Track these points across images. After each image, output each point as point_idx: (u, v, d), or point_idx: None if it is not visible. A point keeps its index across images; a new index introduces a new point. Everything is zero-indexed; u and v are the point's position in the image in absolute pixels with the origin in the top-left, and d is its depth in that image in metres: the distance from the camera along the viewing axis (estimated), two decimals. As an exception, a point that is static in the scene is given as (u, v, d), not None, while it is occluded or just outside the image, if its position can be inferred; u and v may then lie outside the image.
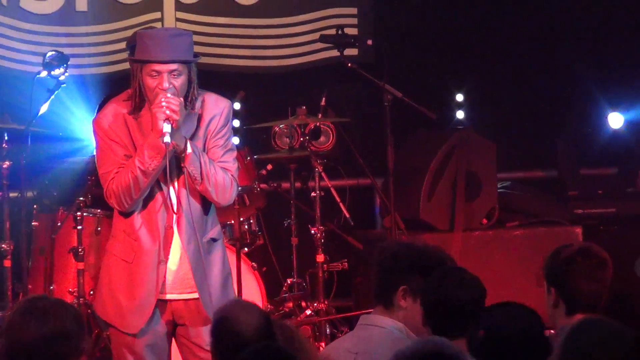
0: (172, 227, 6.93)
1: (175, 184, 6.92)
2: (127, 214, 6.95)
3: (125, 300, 6.90)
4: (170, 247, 6.93)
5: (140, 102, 6.88)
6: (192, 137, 6.91)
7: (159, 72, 6.75)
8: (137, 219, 6.99)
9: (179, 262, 6.94)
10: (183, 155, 6.78)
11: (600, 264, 5.88)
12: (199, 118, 6.99)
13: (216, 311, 5.90)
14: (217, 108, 7.06)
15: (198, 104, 7.03)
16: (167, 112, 6.64)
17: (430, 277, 5.63)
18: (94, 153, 7.62)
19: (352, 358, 5.82)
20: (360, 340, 5.88)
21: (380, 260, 6.01)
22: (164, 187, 6.93)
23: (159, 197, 6.94)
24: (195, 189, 6.88)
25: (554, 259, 5.97)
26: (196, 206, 6.95)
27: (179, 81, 6.81)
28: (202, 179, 6.81)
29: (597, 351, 4.31)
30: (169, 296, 6.90)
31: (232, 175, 6.99)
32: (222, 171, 6.94)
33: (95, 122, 6.99)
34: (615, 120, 10.70)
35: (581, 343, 4.36)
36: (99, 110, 7.76)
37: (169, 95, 6.62)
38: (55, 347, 5.12)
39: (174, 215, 6.95)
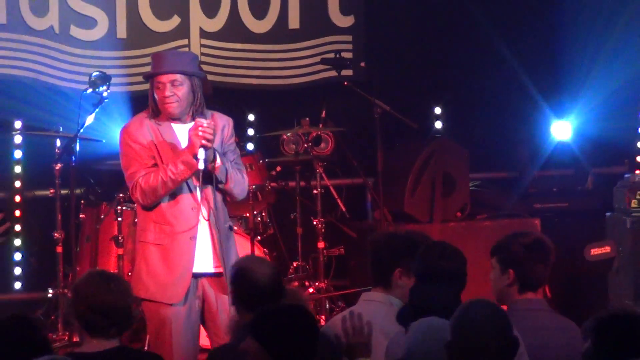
0: (198, 211, 7.03)
1: (199, 184, 7.05)
2: (152, 208, 7.08)
3: (165, 275, 7.01)
4: (197, 228, 7.07)
5: (157, 110, 7.08)
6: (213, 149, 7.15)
7: (163, 83, 6.94)
8: (167, 209, 7.08)
9: (205, 243, 7.06)
10: (213, 165, 6.95)
11: (550, 251, 6.04)
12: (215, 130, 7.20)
13: (234, 264, 6.19)
14: (224, 120, 7.24)
15: (209, 118, 7.17)
16: (204, 141, 6.83)
17: (418, 252, 5.72)
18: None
19: None
20: (365, 310, 5.76)
21: (375, 250, 6.13)
22: (197, 189, 7.05)
23: (185, 189, 7.05)
24: (218, 188, 7.12)
25: (514, 247, 6.04)
26: (219, 200, 7.10)
27: (181, 90, 6.96)
28: (226, 181, 7.00)
29: (481, 324, 4.44)
30: (200, 270, 7.02)
31: (244, 173, 7.26)
32: (239, 172, 7.17)
33: (124, 131, 7.18)
34: (560, 128, 10.62)
35: (469, 317, 4.51)
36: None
37: (205, 124, 6.83)
38: (129, 310, 5.40)
39: (200, 204, 7.06)
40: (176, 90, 6.99)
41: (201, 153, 6.89)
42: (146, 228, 7.16)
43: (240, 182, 7.21)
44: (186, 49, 10.34)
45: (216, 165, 7.01)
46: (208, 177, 7.18)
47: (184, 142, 7.08)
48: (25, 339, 4.91)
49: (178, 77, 7.01)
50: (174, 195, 7.09)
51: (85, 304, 5.42)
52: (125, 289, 5.54)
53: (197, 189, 7.14)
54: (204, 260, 7.17)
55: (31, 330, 5.00)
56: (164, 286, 6.99)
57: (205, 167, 6.98)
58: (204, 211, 7.16)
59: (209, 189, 7.12)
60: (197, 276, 7.13)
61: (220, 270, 7.06)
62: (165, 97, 6.98)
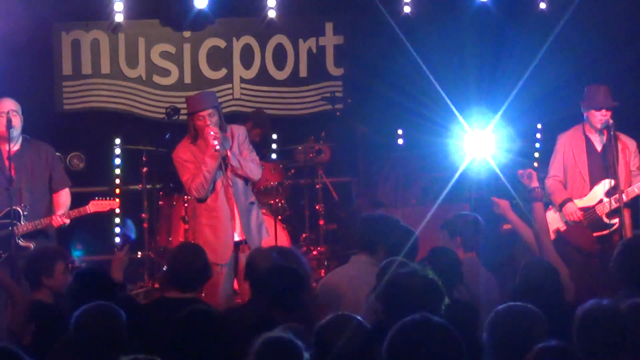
0: (232, 198, 7.35)
1: (229, 175, 7.35)
2: (203, 200, 7.37)
3: (216, 245, 7.28)
4: (234, 211, 7.36)
5: (196, 135, 7.44)
6: (231, 147, 7.41)
7: (203, 116, 7.33)
8: (211, 200, 7.41)
9: (236, 219, 7.40)
10: (226, 156, 7.27)
11: (481, 222, 6.68)
12: (232, 136, 7.46)
13: (248, 255, 6.29)
14: (239, 129, 7.54)
15: (228, 130, 7.47)
16: (214, 136, 7.24)
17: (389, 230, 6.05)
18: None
19: (348, 279, 6.01)
20: (354, 269, 6.05)
21: (363, 226, 6.35)
22: (222, 174, 7.31)
23: (220, 185, 7.35)
24: (237, 174, 7.40)
25: (462, 221, 6.58)
26: (240, 184, 7.42)
27: (214, 119, 7.34)
28: (240, 167, 7.34)
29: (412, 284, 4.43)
30: (235, 238, 7.41)
31: (257, 162, 7.54)
32: (251, 162, 7.42)
33: (174, 154, 7.55)
34: (482, 142, 9.27)
35: (401, 285, 4.53)
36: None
37: (212, 133, 7.25)
38: (207, 274, 5.80)
39: (231, 190, 7.33)
40: (211, 119, 7.33)
41: (217, 146, 7.17)
42: (200, 214, 7.48)
43: (252, 168, 7.38)
44: (230, 91, 10.53)
45: (228, 155, 7.21)
46: (235, 176, 7.30)
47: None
48: (100, 282, 5.09)
49: (212, 110, 7.37)
50: (214, 192, 7.36)
51: (178, 265, 5.61)
52: (204, 256, 5.68)
53: (226, 186, 7.33)
54: (237, 230, 7.41)
55: (104, 276, 5.21)
56: (215, 252, 7.15)
57: (222, 152, 7.17)
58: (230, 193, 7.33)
59: (230, 180, 7.31)
60: (234, 243, 7.42)
61: (243, 238, 7.35)
62: (207, 125, 7.28)
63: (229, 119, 8.08)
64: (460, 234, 6.52)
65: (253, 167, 7.45)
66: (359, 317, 3.75)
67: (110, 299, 4.50)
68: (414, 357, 3.25)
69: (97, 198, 7.97)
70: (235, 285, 7.63)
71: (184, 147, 7.49)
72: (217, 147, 7.20)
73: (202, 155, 7.32)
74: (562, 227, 7.90)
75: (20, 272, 6.58)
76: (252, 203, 7.55)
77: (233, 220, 7.35)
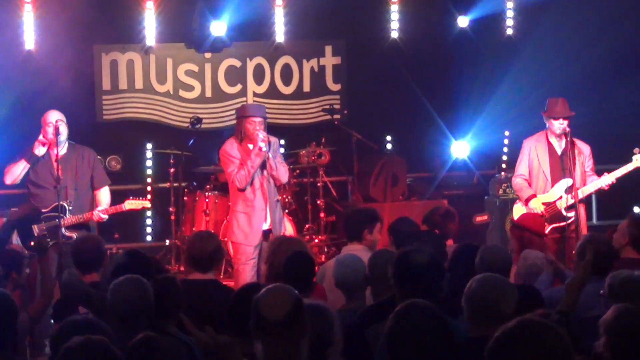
0: (266, 194, 7.40)
1: (264, 172, 7.39)
2: (243, 190, 7.34)
3: (248, 228, 7.36)
4: (266, 203, 7.41)
5: (243, 137, 7.40)
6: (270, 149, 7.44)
7: (254, 122, 7.37)
8: (249, 192, 7.38)
9: (267, 211, 7.43)
10: (267, 158, 7.31)
11: (456, 217, 6.96)
12: (269, 143, 7.45)
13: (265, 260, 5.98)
14: (273, 139, 7.58)
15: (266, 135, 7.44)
16: (262, 139, 7.29)
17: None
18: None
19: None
20: (352, 254, 5.71)
21: (349, 217, 6.47)
22: (260, 173, 7.35)
23: (257, 180, 7.37)
24: (272, 175, 7.43)
25: (437, 215, 6.73)
26: (272, 182, 7.46)
27: (262, 126, 7.41)
28: (276, 169, 7.38)
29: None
30: (264, 227, 7.45)
31: (287, 167, 7.68)
32: (282, 166, 7.52)
33: (222, 149, 7.52)
34: (459, 147, 10.50)
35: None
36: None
37: (261, 135, 7.31)
38: (220, 255, 5.68)
39: (266, 187, 7.37)
40: (260, 125, 7.38)
41: (263, 146, 7.26)
42: (237, 202, 7.44)
43: (283, 172, 7.51)
44: (244, 103, 10.09)
45: (269, 157, 7.30)
46: (268, 174, 7.32)
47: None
48: (143, 264, 4.93)
49: (262, 119, 7.44)
50: (252, 186, 7.37)
51: (195, 249, 5.51)
52: (218, 242, 5.57)
53: (263, 182, 7.39)
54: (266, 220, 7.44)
55: (143, 258, 5.08)
56: (247, 236, 7.34)
57: (266, 154, 7.24)
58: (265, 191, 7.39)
59: (266, 178, 7.40)
60: (262, 231, 7.43)
61: (270, 227, 7.43)
62: (256, 130, 7.31)
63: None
64: (438, 227, 6.55)
65: (284, 171, 7.53)
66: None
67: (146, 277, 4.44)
68: (408, 339, 3.15)
69: (131, 197, 7.94)
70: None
71: (230, 145, 7.47)
72: (265, 148, 7.26)
73: (245, 154, 7.32)
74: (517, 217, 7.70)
75: (67, 258, 6.57)
76: (278, 200, 7.61)
77: (264, 212, 7.37)
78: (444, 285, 4.02)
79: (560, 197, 7.78)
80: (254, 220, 7.39)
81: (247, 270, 7.28)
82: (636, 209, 7.90)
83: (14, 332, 3.94)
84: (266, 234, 7.39)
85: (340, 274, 5.05)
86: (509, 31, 10.67)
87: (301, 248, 5.50)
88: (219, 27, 10.10)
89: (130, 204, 7.86)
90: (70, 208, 7.60)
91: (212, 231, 7.83)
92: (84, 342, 3.00)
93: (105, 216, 7.68)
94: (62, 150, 7.66)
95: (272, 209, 7.46)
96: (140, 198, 8.04)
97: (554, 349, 2.59)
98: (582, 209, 7.75)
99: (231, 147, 7.46)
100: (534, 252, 5.70)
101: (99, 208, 7.68)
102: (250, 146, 7.39)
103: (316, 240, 9.72)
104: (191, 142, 9.55)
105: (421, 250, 4.12)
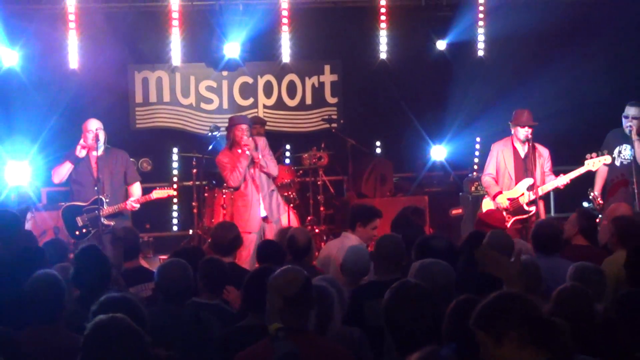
0: (257, 186, 7.41)
1: (255, 170, 7.40)
2: (237, 189, 7.40)
3: (248, 216, 7.45)
4: (260, 196, 7.44)
5: (232, 143, 7.44)
6: (257, 150, 7.46)
7: (242, 129, 7.37)
8: (244, 188, 7.45)
9: (260, 201, 7.47)
10: (257, 159, 7.31)
11: (423, 213, 6.65)
12: (256, 145, 7.46)
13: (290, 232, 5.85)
14: (260, 139, 7.54)
15: (252, 141, 7.46)
16: (245, 144, 7.29)
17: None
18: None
19: (339, 246, 5.96)
20: (343, 242, 5.98)
21: (351, 208, 6.61)
22: (251, 171, 7.35)
23: (249, 177, 7.40)
24: (262, 171, 7.44)
25: (408, 212, 6.31)
26: (263, 177, 7.48)
27: (248, 132, 7.40)
28: (266, 166, 7.41)
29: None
30: (262, 215, 7.51)
31: (275, 163, 7.58)
32: (272, 163, 7.49)
33: (218, 158, 7.62)
34: (437, 151, 10.38)
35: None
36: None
37: (247, 143, 7.35)
38: (238, 242, 5.73)
39: (256, 181, 7.35)
40: (247, 133, 7.42)
41: (247, 151, 7.27)
42: (236, 199, 7.56)
43: (272, 166, 7.44)
44: (255, 114, 10.34)
45: (257, 158, 7.28)
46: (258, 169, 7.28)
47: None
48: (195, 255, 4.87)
49: (247, 126, 7.43)
50: (246, 182, 7.40)
51: (218, 237, 5.61)
52: (237, 231, 5.71)
53: (255, 178, 7.34)
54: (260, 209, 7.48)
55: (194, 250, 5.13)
56: (247, 223, 7.36)
57: (250, 155, 7.22)
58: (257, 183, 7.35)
59: (257, 174, 7.34)
60: (260, 218, 7.50)
61: (266, 214, 7.43)
62: (243, 136, 7.33)
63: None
64: (409, 222, 6.32)
65: (273, 165, 7.52)
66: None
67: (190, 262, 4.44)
68: (401, 313, 3.20)
69: (157, 188, 7.99)
70: None
71: (222, 154, 7.59)
72: (247, 152, 7.29)
73: (235, 158, 7.34)
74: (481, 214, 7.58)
75: (105, 244, 6.65)
76: (273, 190, 7.56)
77: (258, 202, 7.37)
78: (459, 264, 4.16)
79: (523, 194, 7.72)
80: (251, 210, 7.37)
81: (249, 255, 7.14)
82: (585, 204, 7.74)
83: (62, 307, 3.91)
84: (264, 219, 7.43)
85: (350, 262, 5.02)
86: (480, 53, 10.60)
87: (302, 235, 5.51)
88: (233, 50, 10.00)
89: (157, 193, 7.84)
90: (107, 200, 7.59)
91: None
92: (109, 320, 2.96)
93: (137, 205, 7.67)
94: (100, 153, 7.68)
95: (265, 199, 7.40)
96: (166, 187, 8.06)
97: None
98: (541, 204, 7.69)
99: (223, 155, 7.50)
100: (521, 241, 5.77)
101: (132, 199, 7.69)
102: (239, 151, 7.39)
103: (317, 230, 9.67)
104: (210, 147, 9.43)
105: (440, 237, 4.35)
